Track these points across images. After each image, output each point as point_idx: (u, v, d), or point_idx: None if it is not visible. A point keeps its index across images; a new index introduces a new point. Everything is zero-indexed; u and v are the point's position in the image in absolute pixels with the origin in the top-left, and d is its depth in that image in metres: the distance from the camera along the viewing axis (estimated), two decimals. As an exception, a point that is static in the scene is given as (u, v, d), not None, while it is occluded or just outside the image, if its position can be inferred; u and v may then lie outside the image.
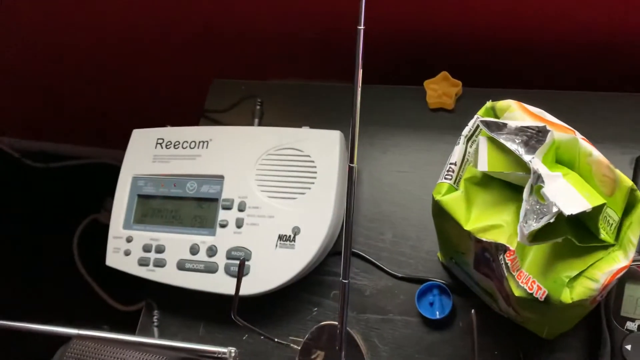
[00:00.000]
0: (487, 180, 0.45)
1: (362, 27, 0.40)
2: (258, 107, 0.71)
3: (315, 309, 0.64)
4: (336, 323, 0.61)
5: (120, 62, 1.09)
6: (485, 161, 0.42)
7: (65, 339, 0.67)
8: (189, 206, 0.67)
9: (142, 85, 1.16)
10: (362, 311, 0.62)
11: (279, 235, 0.62)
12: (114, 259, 0.68)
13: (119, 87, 1.21)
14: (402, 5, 0.72)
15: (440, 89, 0.67)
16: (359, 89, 0.42)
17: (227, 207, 0.64)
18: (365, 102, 0.73)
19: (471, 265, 0.51)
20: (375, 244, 0.65)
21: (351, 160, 0.44)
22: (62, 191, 1.73)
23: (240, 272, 0.50)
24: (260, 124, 0.72)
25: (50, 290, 1.58)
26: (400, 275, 0.62)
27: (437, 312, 0.58)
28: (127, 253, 0.67)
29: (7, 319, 0.63)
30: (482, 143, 0.42)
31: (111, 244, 0.69)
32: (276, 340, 0.57)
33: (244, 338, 0.65)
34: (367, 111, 0.72)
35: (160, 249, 0.66)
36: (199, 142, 0.68)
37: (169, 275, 0.65)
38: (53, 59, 1.13)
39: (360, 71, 0.41)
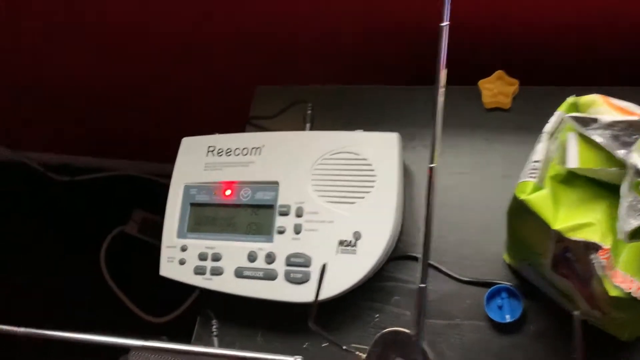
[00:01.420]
0: (571, 178, 0.44)
1: (447, 23, 0.39)
2: (309, 111, 0.70)
3: (377, 315, 0.63)
4: (401, 330, 0.59)
5: (149, 74, 1.09)
6: (576, 158, 0.41)
7: (121, 351, 0.67)
8: (243, 213, 0.66)
9: (171, 96, 1.16)
10: (426, 317, 0.61)
11: (340, 240, 0.61)
12: (168, 269, 0.67)
13: (143, 99, 1.20)
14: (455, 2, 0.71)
15: (496, 88, 0.66)
16: (442, 90, 0.41)
17: (284, 213, 0.63)
18: (417, 105, 0.73)
19: (548, 266, 0.49)
20: (438, 247, 0.63)
21: (431, 161, 0.43)
22: (88, 204, 1.73)
23: (321, 277, 0.50)
24: (311, 129, 0.71)
25: (78, 303, 1.58)
26: (465, 279, 0.61)
27: (507, 316, 0.57)
28: (182, 262, 0.67)
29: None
30: (572, 139, 0.41)
31: (165, 253, 0.68)
32: (344, 347, 0.56)
33: (305, 346, 0.63)
34: (420, 113, 0.71)
35: (216, 257, 0.65)
36: (252, 148, 0.67)
37: (227, 284, 0.64)
38: (77, 72, 1.13)
39: (444, 71, 0.40)
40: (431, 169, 0.43)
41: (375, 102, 0.74)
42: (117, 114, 1.35)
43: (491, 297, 0.58)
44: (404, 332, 0.57)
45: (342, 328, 0.63)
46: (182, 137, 0.72)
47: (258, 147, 0.67)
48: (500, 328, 0.58)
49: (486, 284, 0.59)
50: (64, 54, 1.07)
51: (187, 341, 0.68)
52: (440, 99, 0.41)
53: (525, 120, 0.65)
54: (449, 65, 0.78)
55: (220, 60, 0.98)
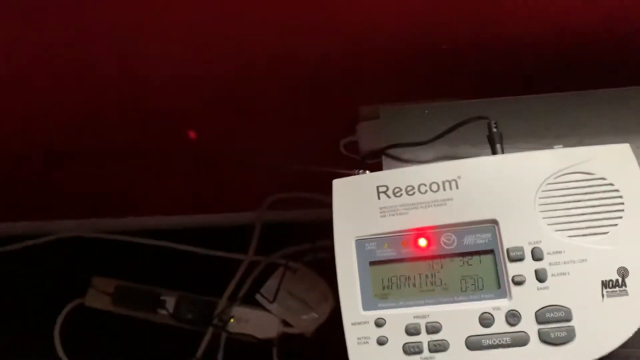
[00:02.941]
0: None
1: None
2: (495, 129, 0.58)
3: None
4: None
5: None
6: None
7: None
8: (451, 266, 0.52)
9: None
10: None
11: (602, 281, 0.49)
12: (363, 354, 0.51)
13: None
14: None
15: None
16: None
17: (517, 259, 0.50)
18: (591, 109, 0.63)
19: None
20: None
21: None
22: (25, 280, 1.41)
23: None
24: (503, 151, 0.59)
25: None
26: None
27: None
28: (381, 342, 0.50)
29: None
30: None
31: (351, 334, 0.51)
32: None
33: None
34: (598, 119, 0.62)
35: (435, 329, 0.50)
36: (443, 182, 0.53)
37: (458, 361, 0.49)
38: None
39: None
40: None
41: (529, 114, 0.64)
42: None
43: None
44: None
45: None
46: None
47: (453, 180, 0.53)
48: None
49: None
50: None
51: None
52: None
53: None
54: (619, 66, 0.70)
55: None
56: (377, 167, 0.65)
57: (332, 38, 0.73)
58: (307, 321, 1.19)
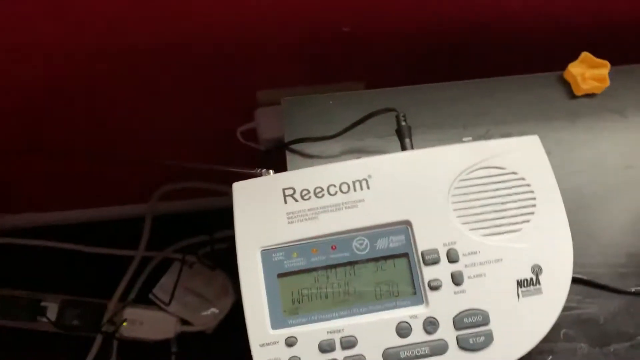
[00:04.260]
0: None
1: None
2: (403, 122, 0.54)
3: (550, 357, 0.52)
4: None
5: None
6: None
7: None
8: (364, 272, 0.48)
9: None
10: (605, 343, 0.52)
11: (517, 281, 0.48)
12: (275, 377, 0.46)
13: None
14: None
15: (588, 73, 0.59)
16: None
17: (433, 262, 0.48)
18: (496, 97, 0.62)
19: None
20: (585, 261, 0.55)
21: None
22: None
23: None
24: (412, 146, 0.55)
25: None
26: (633, 289, 0.53)
27: (703, 321, 0.51)
28: (294, 363, 0.46)
29: None
30: None
31: (260, 356, 0.46)
32: None
33: None
34: (503, 107, 0.60)
35: (350, 343, 0.46)
36: (354, 182, 0.49)
37: (376, 375, 0.46)
38: None
39: None
40: None
41: (436, 103, 0.61)
42: None
43: (681, 304, 0.52)
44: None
45: (517, 387, 0.51)
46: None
47: (363, 179, 0.49)
48: (696, 336, 0.52)
49: (663, 291, 0.53)
50: None
51: None
52: None
53: (624, 103, 0.60)
54: (521, 52, 0.68)
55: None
56: (278, 158, 0.60)
57: (228, 18, 0.66)
58: (207, 317, 1.12)
